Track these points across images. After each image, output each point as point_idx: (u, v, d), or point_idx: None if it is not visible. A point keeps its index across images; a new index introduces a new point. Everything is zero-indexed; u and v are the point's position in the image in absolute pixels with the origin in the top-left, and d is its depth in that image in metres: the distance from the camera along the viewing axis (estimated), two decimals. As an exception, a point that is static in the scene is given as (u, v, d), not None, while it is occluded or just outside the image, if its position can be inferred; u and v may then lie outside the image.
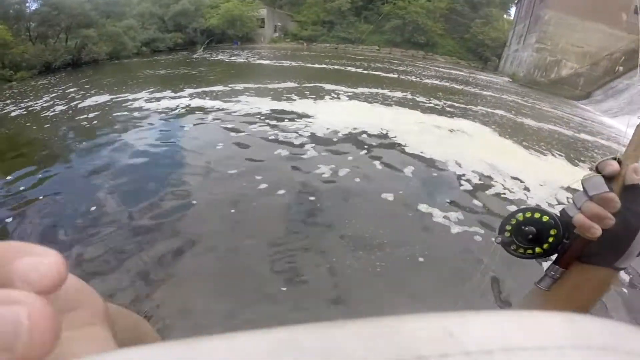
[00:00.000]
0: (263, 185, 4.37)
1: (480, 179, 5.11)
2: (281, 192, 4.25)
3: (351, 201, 4.18)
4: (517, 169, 5.65)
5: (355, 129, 6.81)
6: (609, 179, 0.48)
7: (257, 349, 0.16)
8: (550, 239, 0.53)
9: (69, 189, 4.45)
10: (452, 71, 24.11)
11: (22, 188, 4.48)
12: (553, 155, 7.09)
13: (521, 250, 0.55)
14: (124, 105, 8.72)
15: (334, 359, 0.16)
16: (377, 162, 5.36)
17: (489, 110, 10.92)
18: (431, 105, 10.27)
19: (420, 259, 3.24)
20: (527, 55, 22.92)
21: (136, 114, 7.80)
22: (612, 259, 0.50)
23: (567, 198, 4.88)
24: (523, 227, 0.54)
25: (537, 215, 0.54)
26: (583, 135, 9.83)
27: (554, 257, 0.54)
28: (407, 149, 5.99)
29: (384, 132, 6.82)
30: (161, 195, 4.23)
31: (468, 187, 4.84)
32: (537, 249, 0.53)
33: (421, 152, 5.87)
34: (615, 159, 0.49)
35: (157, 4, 31.12)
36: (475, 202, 4.40)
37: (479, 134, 7.84)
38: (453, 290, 2.84)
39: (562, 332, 0.19)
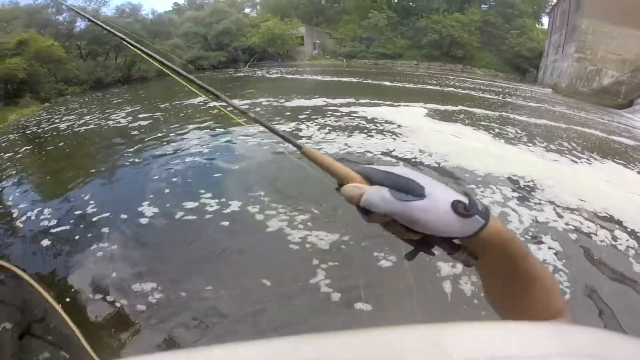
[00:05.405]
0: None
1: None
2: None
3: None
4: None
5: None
6: None
7: (258, 358, 0.17)
8: None
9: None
10: (493, 83, 23.73)
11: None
12: None
13: None
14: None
15: None
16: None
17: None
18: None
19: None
20: (568, 65, 22.32)
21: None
22: None
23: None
24: None
25: None
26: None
27: None
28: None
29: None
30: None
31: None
32: None
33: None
34: None
35: (199, 24, 32.19)
36: None
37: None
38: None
39: (550, 341, 0.19)
